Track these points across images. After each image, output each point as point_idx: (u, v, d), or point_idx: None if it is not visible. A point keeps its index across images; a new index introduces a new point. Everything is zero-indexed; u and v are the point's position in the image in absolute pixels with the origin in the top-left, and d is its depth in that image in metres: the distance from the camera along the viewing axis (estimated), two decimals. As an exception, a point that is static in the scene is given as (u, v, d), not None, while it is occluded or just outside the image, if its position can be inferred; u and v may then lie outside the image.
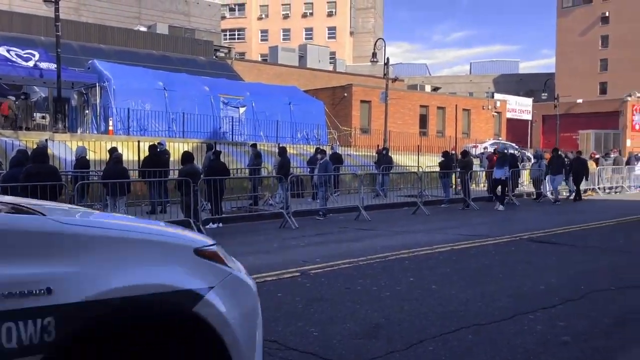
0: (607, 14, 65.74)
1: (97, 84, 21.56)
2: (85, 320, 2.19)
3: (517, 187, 20.60)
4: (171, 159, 16.22)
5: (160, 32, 36.95)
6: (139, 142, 17.00)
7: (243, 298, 2.77)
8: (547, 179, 19.74)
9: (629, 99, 47.67)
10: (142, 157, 15.86)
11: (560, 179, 19.29)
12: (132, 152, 16.84)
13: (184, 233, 2.98)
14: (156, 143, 15.79)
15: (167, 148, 16.46)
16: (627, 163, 25.09)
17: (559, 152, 20.85)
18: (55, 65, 19.07)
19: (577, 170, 19.90)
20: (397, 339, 5.01)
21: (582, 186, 21.65)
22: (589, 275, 7.68)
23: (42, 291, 2.11)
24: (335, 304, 6.08)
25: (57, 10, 18.65)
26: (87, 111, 22.58)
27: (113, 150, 13.40)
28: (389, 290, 6.71)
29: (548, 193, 20.09)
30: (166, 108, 22.15)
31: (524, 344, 4.87)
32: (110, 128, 20.54)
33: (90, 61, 23.50)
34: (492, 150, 22.78)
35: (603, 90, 65.32)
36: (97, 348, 2.26)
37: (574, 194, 20.13)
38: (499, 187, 17.28)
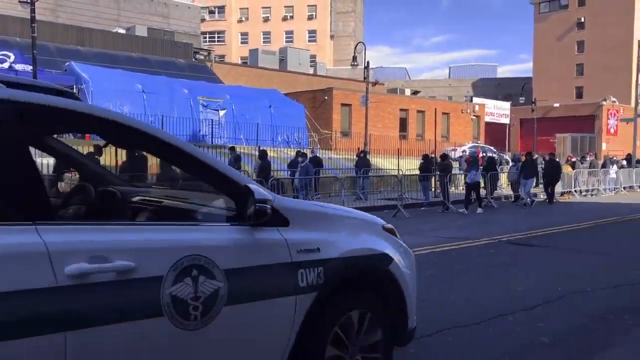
0: (582, 20, 66.95)
1: (75, 86, 21.29)
2: (337, 269, 3.18)
3: (496, 189, 20.79)
4: (149, 163, 16.04)
5: (139, 34, 36.64)
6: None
7: (410, 261, 3.89)
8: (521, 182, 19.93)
9: (604, 103, 48.52)
10: (119, 162, 15.63)
11: (531, 183, 19.46)
12: (108, 156, 16.60)
13: (369, 214, 4.07)
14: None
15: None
16: (603, 166, 25.50)
17: (533, 156, 21.07)
18: (31, 67, 18.80)
19: (549, 173, 20.12)
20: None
21: (559, 189, 21.98)
22: (566, 277, 7.77)
23: (316, 249, 3.11)
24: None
25: (33, 11, 18.38)
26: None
27: (91, 154, 13.19)
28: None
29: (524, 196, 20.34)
30: (145, 110, 21.96)
31: (505, 345, 4.90)
32: (88, 131, 20.29)
33: (67, 63, 23.22)
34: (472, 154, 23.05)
35: (579, 95, 66.46)
36: (342, 288, 3.27)
37: (548, 196, 20.31)
38: (472, 191, 17.42)
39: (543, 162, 23.03)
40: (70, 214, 3.27)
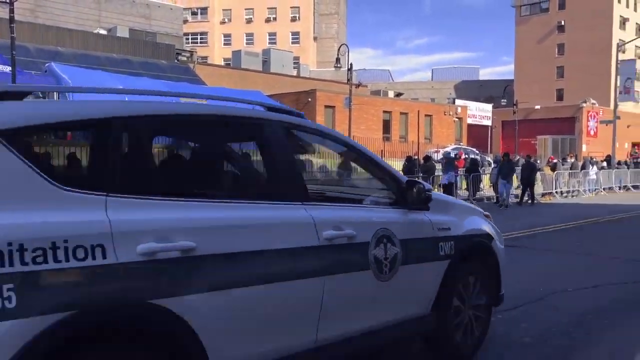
0: (562, 23, 67.82)
1: (55, 88, 21.00)
2: (461, 244, 4.34)
3: (478, 191, 20.94)
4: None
5: (120, 35, 36.33)
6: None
7: (501, 241, 5.03)
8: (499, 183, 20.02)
9: (584, 105, 49.17)
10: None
11: (510, 184, 19.56)
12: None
13: (472, 204, 5.55)
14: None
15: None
16: (583, 167, 25.83)
17: (510, 157, 21.19)
18: (9, 68, 18.51)
19: (525, 174, 20.18)
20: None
21: (540, 190, 22.21)
22: (547, 277, 7.84)
23: (448, 228, 4.23)
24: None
25: (12, 11, 18.14)
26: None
27: (72, 157, 13.01)
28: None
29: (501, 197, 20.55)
30: (127, 112, 21.74)
31: (487, 346, 4.93)
32: (69, 133, 20.02)
33: (47, 64, 22.87)
34: (453, 155, 23.20)
35: (560, 97, 67.29)
36: (464, 258, 4.39)
37: (529, 198, 20.38)
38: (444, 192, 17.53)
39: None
40: (319, 198, 4.09)
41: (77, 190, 2.49)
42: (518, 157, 27.99)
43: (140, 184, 2.73)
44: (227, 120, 3.43)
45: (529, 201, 20.27)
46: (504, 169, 19.29)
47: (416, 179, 5.18)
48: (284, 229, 3.18)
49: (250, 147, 4.04)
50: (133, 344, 2.54)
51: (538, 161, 26.63)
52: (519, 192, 21.07)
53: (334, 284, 3.34)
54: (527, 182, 20.01)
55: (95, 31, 36.31)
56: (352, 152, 4.26)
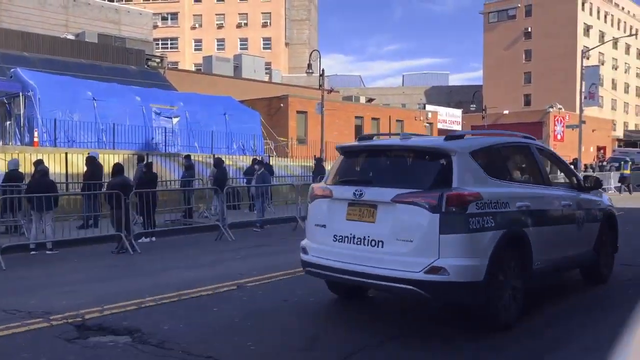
0: (529, 30, 69.25)
1: (21, 94, 20.56)
2: (605, 212, 7.53)
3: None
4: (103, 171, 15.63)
5: (89, 40, 35.72)
6: (66, 154, 16.32)
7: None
8: None
9: (550, 110, 50.22)
10: (70, 170, 15.23)
11: None
12: (59, 164, 16.14)
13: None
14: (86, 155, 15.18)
15: (99, 160, 15.87)
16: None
17: None
18: (-27, 74, 18.03)
19: None
20: (333, 350, 5.00)
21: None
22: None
23: (600, 203, 7.55)
24: (272, 317, 6.02)
25: (-25, 15, 17.68)
26: (8, 122, 21.46)
27: (38, 163, 12.71)
28: (327, 301, 6.70)
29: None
30: (96, 118, 21.37)
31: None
32: (36, 139, 19.60)
33: (12, 70, 22.39)
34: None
35: (527, 102, 68.61)
36: (604, 222, 7.49)
37: None
38: None
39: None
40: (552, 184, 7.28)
41: (494, 178, 5.66)
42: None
43: (509, 175, 6.20)
44: (520, 144, 6.75)
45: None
46: None
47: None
48: (556, 199, 6.54)
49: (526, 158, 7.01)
50: (518, 246, 5.62)
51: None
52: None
53: (571, 228, 6.61)
54: None
55: (63, 36, 35.66)
56: (555, 159, 7.92)
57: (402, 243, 5.13)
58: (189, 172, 17.00)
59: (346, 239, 5.53)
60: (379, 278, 5.21)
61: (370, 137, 6.61)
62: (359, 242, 5.42)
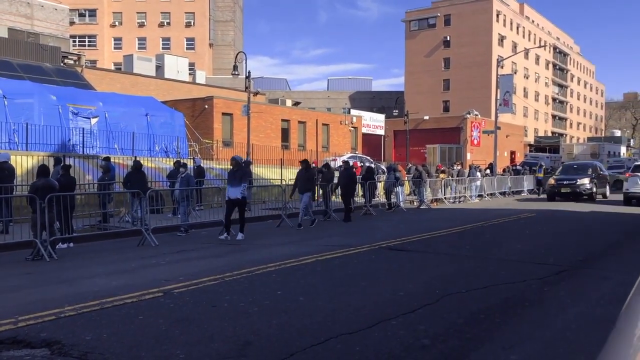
0: (448, 38, 71.91)
1: None
2: None
3: (374, 197, 21.58)
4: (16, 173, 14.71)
5: (-2, 34, 33.60)
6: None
7: None
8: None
9: (468, 116, 52.36)
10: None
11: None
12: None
13: None
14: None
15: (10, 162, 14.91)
16: (468, 175, 27.45)
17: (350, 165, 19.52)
18: None
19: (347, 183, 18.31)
20: (267, 355, 4.95)
21: (430, 196, 23.42)
22: (442, 280, 8.22)
23: None
24: (201, 324, 5.87)
25: None
26: None
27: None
28: (256, 305, 6.62)
29: (401, 203, 21.43)
30: (7, 118, 20.11)
31: (389, 350, 5.05)
32: (-63, 139, 18.19)
33: None
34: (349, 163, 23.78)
35: (446, 108, 71.18)
36: None
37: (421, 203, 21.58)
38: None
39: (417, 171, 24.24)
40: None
41: None
42: (410, 165, 29.22)
43: None
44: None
45: (421, 207, 21.27)
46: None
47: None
48: None
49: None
50: None
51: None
52: (411, 197, 22.00)
53: None
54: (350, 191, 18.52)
55: (-31, 29, 33.33)
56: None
57: None
58: (107, 175, 16.31)
59: None
60: None
61: None
62: None
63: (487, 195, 27.88)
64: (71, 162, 15.80)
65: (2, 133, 19.71)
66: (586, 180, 25.89)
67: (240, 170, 13.41)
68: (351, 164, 21.06)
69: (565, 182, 26.06)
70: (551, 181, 26.92)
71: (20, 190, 14.34)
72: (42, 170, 11.32)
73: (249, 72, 27.22)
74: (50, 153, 18.69)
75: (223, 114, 32.96)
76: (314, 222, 15.78)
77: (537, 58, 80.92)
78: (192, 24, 70.45)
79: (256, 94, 34.73)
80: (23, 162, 16.09)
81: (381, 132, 50.16)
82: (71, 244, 11.82)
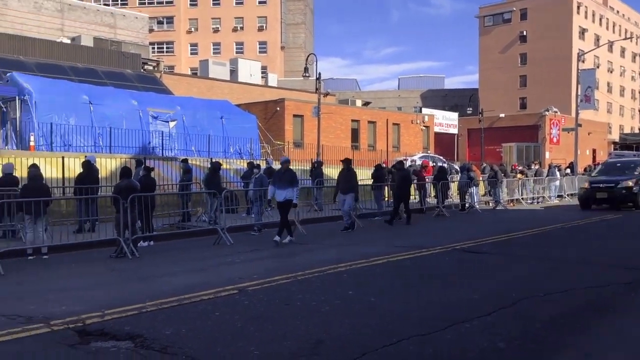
0: (524, 33, 69.47)
1: (17, 98, 20.48)
2: None
3: (447, 198, 21.17)
4: (100, 175, 15.56)
5: (85, 44, 35.66)
6: (63, 158, 16.25)
7: None
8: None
9: (546, 113, 50.36)
10: (67, 174, 15.16)
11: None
12: (56, 168, 16.06)
13: None
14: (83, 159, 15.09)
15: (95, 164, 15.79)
16: (547, 174, 26.38)
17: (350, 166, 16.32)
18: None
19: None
20: (339, 354, 4.97)
21: (506, 196, 22.70)
22: (518, 283, 7.96)
23: None
24: (275, 321, 5.98)
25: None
26: (4, 126, 21.37)
27: (31, 167, 12.56)
28: (328, 304, 6.67)
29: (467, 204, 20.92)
30: (92, 122, 21.31)
31: (462, 352, 4.95)
32: (32, 144, 19.52)
33: (8, 74, 22.31)
34: (420, 164, 23.46)
35: (523, 105, 68.76)
36: None
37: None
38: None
39: (492, 171, 23.57)
40: None
41: None
42: (484, 165, 28.44)
43: None
44: None
45: (497, 207, 20.67)
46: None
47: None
48: None
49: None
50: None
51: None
52: (486, 198, 21.43)
53: None
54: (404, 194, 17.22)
55: (59, 40, 35.57)
56: None
57: None
58: (186, 176, 16.94)
59: None
60: None
61: None
62: None
63: (568, 195, 26.70)
64: (151, 164, 16.53)
65: (88, 137, 20.90)
66: (631, 183, 20.01)
67: (289, 172, 12.81)
68: (408, 164, 20.66)
69: (602, 186, 20.45)
70: (585, 184, 21.51)
71: (105, 191, 15.11)
72: (125, 171, 11.89)
73: (319, 74, 27.44)
74: (132, 155, 19.64)
75: (294, 115, 33.41)
76: (351, 227, 14.55)
77: (623, 50, 76.61)
78: (264, 27, 71.85)
79: (326, 95, 34.98)
80: (107, 164, 16.97)
81: (454, 130, 49.12)
82: (152, 242, 12.35)
